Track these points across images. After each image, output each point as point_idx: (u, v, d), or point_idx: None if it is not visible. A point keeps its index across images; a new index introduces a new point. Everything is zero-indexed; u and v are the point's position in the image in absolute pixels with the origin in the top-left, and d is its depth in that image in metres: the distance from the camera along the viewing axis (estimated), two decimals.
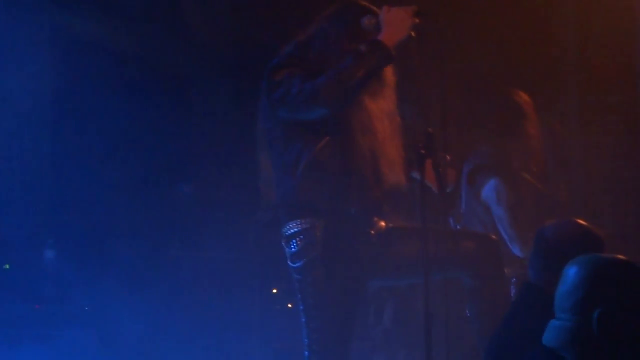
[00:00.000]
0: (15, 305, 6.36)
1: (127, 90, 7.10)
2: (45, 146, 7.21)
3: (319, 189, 4.19)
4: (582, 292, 2.96)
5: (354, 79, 4.10)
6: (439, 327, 3.89)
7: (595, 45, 6.92)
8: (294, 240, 4.24)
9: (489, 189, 5.25)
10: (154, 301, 6.44)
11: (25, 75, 7.05)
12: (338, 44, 4.30)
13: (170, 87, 7.41)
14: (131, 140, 7.09)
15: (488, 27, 6.88)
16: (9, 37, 6.79)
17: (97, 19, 7.21)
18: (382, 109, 4.37)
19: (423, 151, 3.96)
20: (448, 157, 4.06)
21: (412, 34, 4.17)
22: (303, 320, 4.25)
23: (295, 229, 4.24)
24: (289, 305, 6.51)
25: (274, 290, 6.80)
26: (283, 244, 4.32)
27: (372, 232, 4.26)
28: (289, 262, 4.29)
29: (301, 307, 4.27)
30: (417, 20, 4.17)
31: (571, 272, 3.02)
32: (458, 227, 5.33)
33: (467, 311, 4.42)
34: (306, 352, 4.24)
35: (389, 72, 4.40)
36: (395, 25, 4.17)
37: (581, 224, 3.71)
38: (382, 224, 4.29)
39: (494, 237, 4.60)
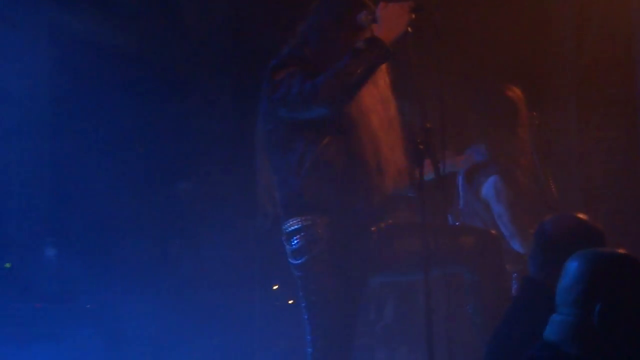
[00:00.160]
0: (21, 304, 6.36)
1: (127, 88, 7.10)
2: (46, 145, 7.21)
3: (325, 186, 4.20)
4: (583, 286, 2.96)
5: (352, 77, 4.11)
6: (440, 322, 3.89)
7: (594, 38, 6.92)
8: (295, 237, 4.25)
9: (489, 187, 5.26)
10: (157, 299, 6.45)
11: (24, 73, 7.05)
12: (332, 35, 4.31)
13: (170, 85, 7.42)
14: (132, 138, 7.09)
15: (485, 22, 6.88)
16: (8, 35, 6.78)
17: (95, 17, 7.21)
18: (380, 106, 4.38)
19: (422, 147, 3.97)
20: (446, 154, 4.07)
21: (409, 29, 4.18)
22: (305, 317, 4.26)
23: (296, 226, 4.24)
24: (290, 302, 6.52)
25: (275, 287, 6.81)
26: (283, 240, 4.32)
27: (375, 229, 4.27)
28: (289, 259, 4.30)
29: (303, 304, 4.27)
30: (413, 16, 4.18)
31: (572, 267, 3.02)
32: (457, 224, 5.33)
33: (468, 307, 4.43)
34: (309, 349, 4.25)
35: (384, 68, 4.41)
36: (392, 22, 4.17)
37: (581, 219, 3.71)
38: (385, 220, 4.30)
39: (493, 232, 4.60)
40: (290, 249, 4.28)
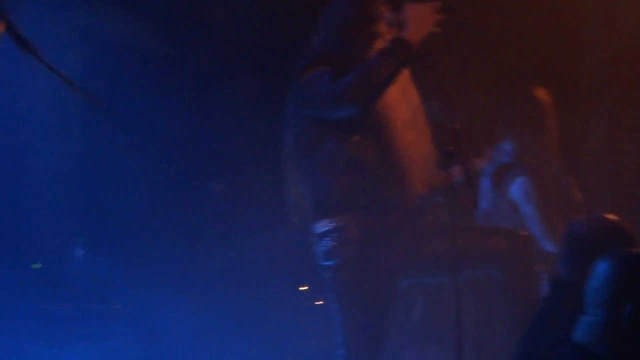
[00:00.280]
0: (53, 304, 6.41)
1: (157, 90, 7.12)
2: (76, 146, 7.25)
3: (357, 184, 4.20)
4: (613, 287, 2.96)
5: (380, 77, 4.12)
6: (469, 323, 3.89)
7: (623, 37, 6.89)
8: (326, 239, 4.26)
9: (517, 188, 5.25)
10: (189, 299, 6.46)
11: (55, 76, 7.08)
12: (348, 37, 4.32)
13: (200, 87, 7.43)
14: (163, 139, 7.12)
15: (512, 22, 6.86)
16: (39, 38, 6.82)
17: (124, 19, 7.24)
18: (409, 104, 4.39)
19: (451, 148, 3.97)
20: (476, 157, 4.06)
21: (437, 30, 4.18)
22: (337, 318, 4.26)
23: (327, 228, 4.25)
24: (319, 303, 6.52)
25: (304, 288, 6.82)
26: (314, 241, 4.33)
27: (406, 230, 4.26)
28: (320, 260, 4.30)
29: (335, 306, 4.27)
30: (441, 16, 4.18)
31: (602, 268, 3.02)
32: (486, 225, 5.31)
33: (497, 307, 4.42)
34: (341, 350, 4.26)
35: (412, 68, 4.41)
36: (419, 22, 4.18)
37: (612, 219, 3.70)
38: (416, 221, 4.30)
39: (524, 233, 4.60)
40: (321, 251, 4.29)
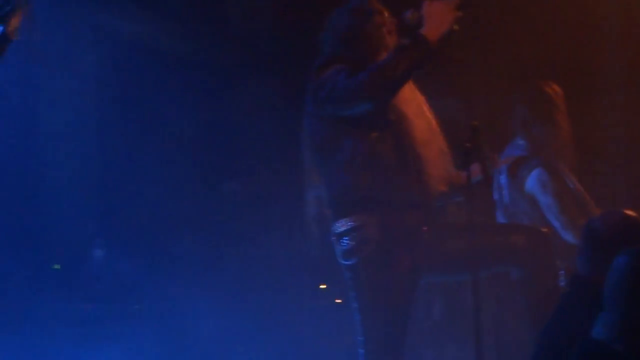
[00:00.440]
0: (75, 304, 6.44)
1: (174, 89, 7.15)
2: (95, 145, 7.28)
3: (377, 183, 4.20)
4: (631, 283, 2.95)
5: (396, 72, 4.12)
6: (488, 320, 3.89)
7: None
8: (345, 238, 4.25)
9: (533, 180, 5.23)
10: (211, 298, 6.47)
11: (72, 75, 7.12)
12: (366, 24, 4.32)
13: (218, 86, 7.45)
14: (181, 138, 7.14)
15: (531, 18, 6.84)
16: (55, 37, 6.85)
17: (141, 19, 7.27)
18: (424, 101, 4.39)
19: (469, 145, 3.96)
20: (495, 157, 4.05)
21: (455, 27, 4.18)
22: (357, 318, 4.25)
23: (346, 227, 4.24)
24: (338, 301, 6.53)
25: (323, 286, 6.82)
26: (333, 241, 4.33)
27: (425, 229, 4.26)
28: (340, 259, 4.30)
29: (355, 305, 4.26)
30: (459, 13, 4.18)
31: (621, 264, 3.02)
32: (506, 222, 5.30)
33: (517, 304, 4.42)
34: (361, 350, 4.25)
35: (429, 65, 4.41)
36: (437, 19, 4.17)
37: (630, 215, 3.68)
38: (435, 219, 4.30)
39: (544, 229, 4.59)
40: (341, 250, 4.28)
